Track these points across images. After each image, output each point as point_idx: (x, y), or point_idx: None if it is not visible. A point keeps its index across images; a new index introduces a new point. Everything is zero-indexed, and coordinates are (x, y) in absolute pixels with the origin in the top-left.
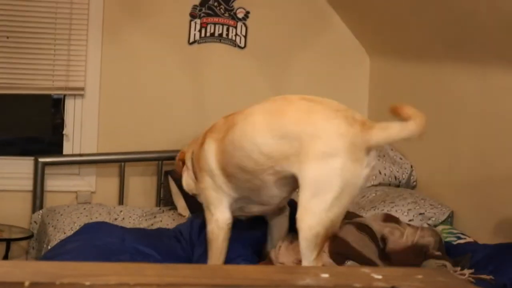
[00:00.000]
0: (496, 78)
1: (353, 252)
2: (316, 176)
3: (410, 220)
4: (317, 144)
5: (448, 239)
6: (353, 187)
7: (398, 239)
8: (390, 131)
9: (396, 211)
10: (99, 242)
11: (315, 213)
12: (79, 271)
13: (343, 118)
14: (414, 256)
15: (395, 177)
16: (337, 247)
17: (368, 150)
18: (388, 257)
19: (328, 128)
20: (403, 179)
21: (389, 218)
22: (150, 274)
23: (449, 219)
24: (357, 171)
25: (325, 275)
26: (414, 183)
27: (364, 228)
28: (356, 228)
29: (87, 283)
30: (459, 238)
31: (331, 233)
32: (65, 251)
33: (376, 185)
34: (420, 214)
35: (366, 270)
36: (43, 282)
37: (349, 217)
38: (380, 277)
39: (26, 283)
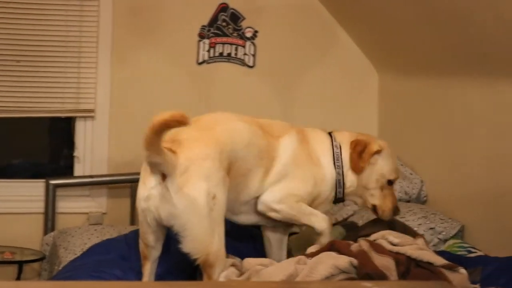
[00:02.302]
0: (504, 91)
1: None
2: None
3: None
4: None
5: (459, 253)
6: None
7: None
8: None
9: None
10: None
11: None
12: None
13: None
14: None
15: (405, 192)
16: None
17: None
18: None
19: None
20: (414, 194)
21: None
22: None
23: (460, 233)
24: (140, 192)
25: None
26: (425, 198)
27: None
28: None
29: None
30: (470, 252)
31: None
32: (70, 272)
33: None
34: (431, 228)
35: (367, 284)
36: None
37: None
38: None
39: None
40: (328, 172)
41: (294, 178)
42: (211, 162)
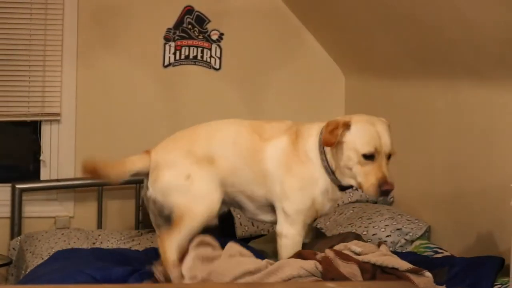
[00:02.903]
0: (465, 92)
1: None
2: None
3: (387, 236)
4: None
5: (425, 254)
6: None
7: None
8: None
9: (374, 227)
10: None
11: None
12: None
13: None
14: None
15: None
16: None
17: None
18: None
19: None
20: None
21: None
22: None
23: (426, 234)
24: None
25: None
26: (391, 199)
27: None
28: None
29: None
30: (436, 252)
31: None
32: (37, 276)
33: (353, 202)
34: (398, 229)
35: (331, 284)
36: None
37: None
38: None
39: None
40: (317, 164)
41: (288, 190)
42: (176, 152)
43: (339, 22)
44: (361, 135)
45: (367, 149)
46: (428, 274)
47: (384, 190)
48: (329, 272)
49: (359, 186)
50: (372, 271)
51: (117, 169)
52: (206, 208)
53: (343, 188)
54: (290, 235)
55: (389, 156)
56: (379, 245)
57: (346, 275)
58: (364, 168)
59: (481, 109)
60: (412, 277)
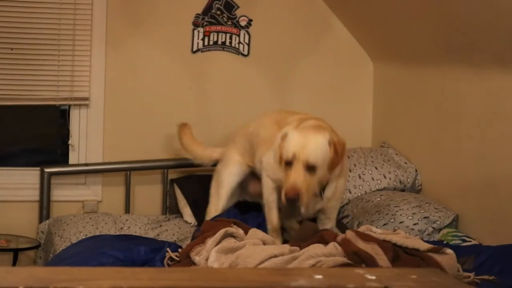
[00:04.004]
0: (495, 79)
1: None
2: None
3: (414, 224)
4: None
5: (453, 242)
6: None
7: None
8: None
9: (401, 215)
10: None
11: None
12: (72, 275)
13: None
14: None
15: (400, 181)
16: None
17: None
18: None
19: None
20: (408, 183)
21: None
22: (144, 277)
23: (454, 223)
24: None
25: (319, 276)
26: (419, 187)
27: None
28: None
29: (80, 287)
30: (464, 241)
31: None
32: (61, 260)
33: (380, 190)
34: (425, 217)
35: (360, 271)
36: (37, 287)
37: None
38: (373, 277)
39: None
40: None
41: None
42: (230, 149)
43: (367, 8)
44: (288, 143)
45: (285, 156)
46: (449, 251)
47: (287, 198)
48: (349, 249)
49: None
50: (393, 250)
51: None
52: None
53: None
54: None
55: (311, 167)
56: (394, 231)
57: (367, 251)
58: (286, 173)
59: (511, 97)
60: (435, 256)
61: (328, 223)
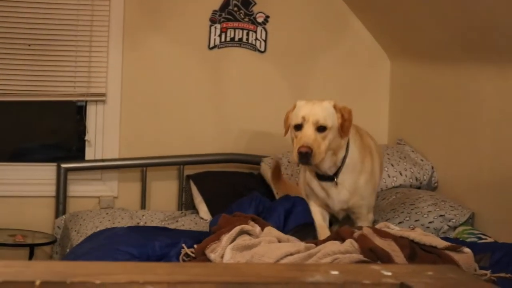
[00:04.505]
0: None
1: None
2: None
3: (430, 222)
4: None
5: (468, 240)
6: None
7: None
8: None
9: (416, 213)
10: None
11: None
12: (89, 270)
13: None
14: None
15: (416, 179)
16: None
17: None
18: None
19: None
20: (424, 180)
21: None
22: (161, 272)
23: (470, 220)
24: None
25: (335, 272)
26: (436, 184)
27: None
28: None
29: (98, 281)
30: (479, 238)
31: None
32: (76, 257)
33: (396, 187)
34: (440, 216)
35: (375, 267)
36: (54, 281)
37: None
38: (389, 273)
39: (37, 282)
40: None
41: None
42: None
43: (385, 5)
44: (295, 112)
45: (295, 121)
46: (467, 250)
47: (299, 152)
48: (365, 246)
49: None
50: (410, 247)
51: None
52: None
53: (320, 177)
54: None
55: (321, 128)
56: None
57: (383, 248)
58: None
59: None
60: (452, 254)
61: (359, 222)
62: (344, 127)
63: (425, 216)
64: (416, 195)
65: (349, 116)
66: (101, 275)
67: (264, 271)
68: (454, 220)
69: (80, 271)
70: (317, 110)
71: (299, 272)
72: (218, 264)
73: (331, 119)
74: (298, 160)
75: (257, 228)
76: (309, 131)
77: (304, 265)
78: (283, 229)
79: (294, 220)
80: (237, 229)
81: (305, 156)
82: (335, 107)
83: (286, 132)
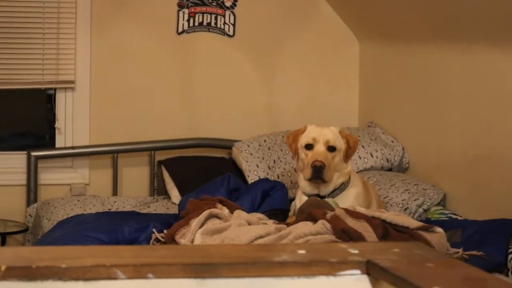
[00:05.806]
0: (480, 56)
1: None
2: None
3: (405, 209)
4: None
5: (440, 220)
6: None
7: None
8: None
9: (391, 205)
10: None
11: None
12: (55, 254)
13: None
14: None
15: (387, 160)
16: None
17: None
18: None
19: None
20: (395, 161)
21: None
22: (127, 255)
23: (442, 202)
24: None
25: (302, 251)
26: (407, 165)
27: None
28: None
29: (64, 265)
30: (450, 218)
31: None
32: (47, 243)
33: (368, 169)
34: (415, 200)
35: (342, 245)
36: (20, 266)
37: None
38: (356, 251)
39: (2, 267)
40: None
41: None
42: None
43: None
44: (305, 134)
45: (305, 141)
46: (439, 229)
47: (313, 165)
48: (338, 227)
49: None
50: (383, 227)
51: None
52: None
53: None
54: None
55: (331, 148)
56: None
57: (356, 229)
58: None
59: (497, 74)
60: (424, 234)
61: None
62: (347, 153)
63: (399, 206)
64: (388, 183)
65: (355, 145)
66: (67, 259)
67: (231, 252)
68: (428, 203)
69: (46, 255)
70: (326, 132)
71: (266, 252)
72: (185, 246)
73: (339, 142)
74: (310, 175)
75: (226, 211)
76: (321, 149)
77: (271, 245)
78: (257, 209)
79: (271, 202)
80: (205, 213)
81: (319, 170)
82: (340, 132)
83: (295, 153)
